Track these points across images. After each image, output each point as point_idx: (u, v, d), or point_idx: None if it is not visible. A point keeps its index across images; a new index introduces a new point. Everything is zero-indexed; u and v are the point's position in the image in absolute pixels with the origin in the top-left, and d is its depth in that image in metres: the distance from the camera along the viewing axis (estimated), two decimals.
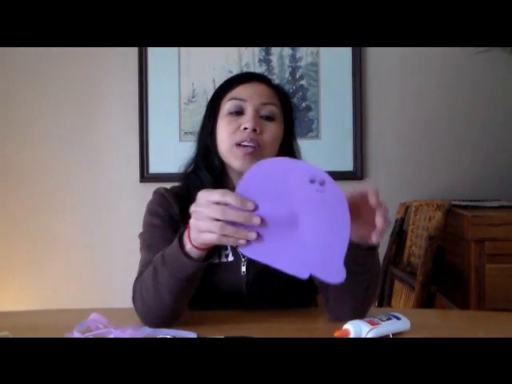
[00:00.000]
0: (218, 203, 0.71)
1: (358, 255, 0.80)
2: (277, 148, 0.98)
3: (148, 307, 0.86)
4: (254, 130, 0.93)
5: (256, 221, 0.70)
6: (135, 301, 0.88)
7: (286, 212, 0.70)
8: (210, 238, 0.72)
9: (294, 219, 0.71)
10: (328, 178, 0.70)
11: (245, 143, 0.93)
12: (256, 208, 0.70)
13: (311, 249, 0.70)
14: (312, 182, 0.70)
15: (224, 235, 0.71)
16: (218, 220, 0.71)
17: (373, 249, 0.82)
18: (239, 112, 0.96)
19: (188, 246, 0.78)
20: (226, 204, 0.71)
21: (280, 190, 0.70)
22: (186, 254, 0.78)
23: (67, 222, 2.09)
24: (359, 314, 0.85)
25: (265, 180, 0.71)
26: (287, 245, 0.70)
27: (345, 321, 0.81)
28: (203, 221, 0.72)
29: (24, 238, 2.09)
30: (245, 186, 0.71)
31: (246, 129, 0.93)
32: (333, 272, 0.71)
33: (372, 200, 0.73)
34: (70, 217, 2.09)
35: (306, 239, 0.70)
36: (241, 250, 0.72)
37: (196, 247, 0.77)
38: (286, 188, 0.70)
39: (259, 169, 0.72)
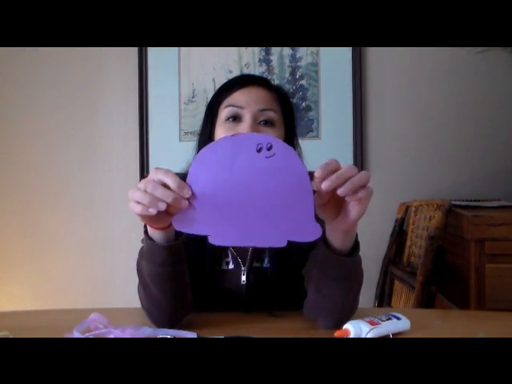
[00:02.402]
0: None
1: (337, 260, 0.78)
2: None
3: (144, 306, 0.87)
4: None
5: (184, 204, 0.68)
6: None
7: (244, 190, 0.70)
8: (136, 207, 0.70)
9: (253, 194, 0.70)
10: (274, 140, 0.70)
11: None
12: (194, 195, 0.69)
13: (278, 215, 0.70)
14: (259, 150, 0.69)
15: (151, 207, 0.69)
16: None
17: (351, 255, 0.79)
18: (237, 118, 0.94)
19: (149, 230, 0.78)
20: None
21: (231, 171, 0.70)
22: (151, 238, 0.79)
23: (67, 222, 2.09)
24: (339, 321, 0.80)
25: (213, 167, 0.70)
26: (253, 221, 0.70)
27: (323, 327, 0.83)
28: (137, 191, 0.70)
29: (23, 238, 2.09)
30: (194, 174, 0.70)
31: None
32: (307, 231, 0.70)
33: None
34: (69, 217, 2.09)
35: (271, 208, 0.70)
36: (210, 240, 0.70)
37: (155, 228, 0.76)
38: (236, 167, 0.70)
39: (206, 155, 0.71)
